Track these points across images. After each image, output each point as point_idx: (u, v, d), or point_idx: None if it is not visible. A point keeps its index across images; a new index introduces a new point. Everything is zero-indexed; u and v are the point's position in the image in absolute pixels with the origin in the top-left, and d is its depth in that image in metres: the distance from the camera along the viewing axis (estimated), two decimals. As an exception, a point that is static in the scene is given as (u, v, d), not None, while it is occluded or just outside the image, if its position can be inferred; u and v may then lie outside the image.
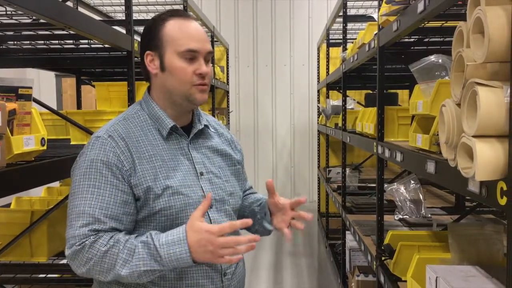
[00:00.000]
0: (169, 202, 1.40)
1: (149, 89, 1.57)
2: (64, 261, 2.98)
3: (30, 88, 1.68)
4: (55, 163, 1.77)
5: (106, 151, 1.39)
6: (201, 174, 1.50)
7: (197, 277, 1.42)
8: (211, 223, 1.48)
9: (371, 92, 4.81)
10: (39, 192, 3.26)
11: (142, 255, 1.30)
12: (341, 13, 4.36)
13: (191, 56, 1.44)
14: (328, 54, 6.06)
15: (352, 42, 4.10)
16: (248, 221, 1.35)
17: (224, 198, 1.54)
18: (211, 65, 1.53)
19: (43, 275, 2.69)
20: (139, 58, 1.56)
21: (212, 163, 1.55)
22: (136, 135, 1.45)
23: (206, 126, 1.59)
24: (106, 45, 2.70)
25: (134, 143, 1.43)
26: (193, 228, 1.31)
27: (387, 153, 2.38)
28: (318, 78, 7.03)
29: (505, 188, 1.11)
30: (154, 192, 1.39)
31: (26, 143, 1.62)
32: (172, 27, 1.46)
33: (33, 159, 1.71)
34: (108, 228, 1.35)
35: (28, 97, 1.68)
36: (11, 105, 1.58)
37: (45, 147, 1.73)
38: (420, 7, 1.81)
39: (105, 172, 1.37)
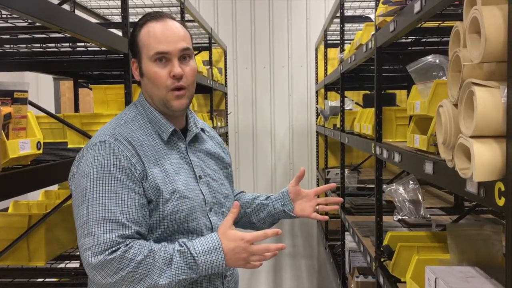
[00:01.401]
0: (177, 206, 1.40)
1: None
2: (62, 265, 2.98)
3: (26, 91, 1.67)
4: (51, 167, 1.76)
5: (116, 155, 1.36)
6: (200, 177, 1.50)
7: (201, 281, 1.44)
8: (211, 226, 1.49)
9: (369, 92, 4.81)
10: (37, 196, 3.25)
11: (180, 264, 1.31)
12: (338, 14, 4.35)
13: (161, 58, 1.42)
14: (326, 55, 6.06)
15: (350, 43, 4.09)
16: (279, 231, 1.40)
17: (221, 201, 1.55)
18: (193, 62, 1.48)
19: (41, 280, 2.69)
20: None
21: (207, 166, 1.55)
22: (140, 139, 1.42)
23: (202, 129, 1.60)
24: (103, 48, 2.70)
25: (140, 146, 1.41)
26: (228, 236, 1.36)
27: (385, 154, 2.37)
28: (316, 79, 7.03)
29: (503, 188, 1.11)
30: (163, 196, 1.39)
31: (22, 147, 1.61)
32: (144, 31, 1.45)
33: (29, 163, 1.70)
34: (133, 232, 1.32)
35: (24, 101, 1.67)
36: (6, 109, 1.57)
37: (41, 151, 1.72)
38: (417, 7, 1.81)
39: (120, 176, 1.34)
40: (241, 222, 1.73)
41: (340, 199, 1.73)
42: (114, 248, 1.28)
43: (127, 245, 1.29)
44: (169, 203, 1.39)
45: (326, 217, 1.69)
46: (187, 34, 1.48)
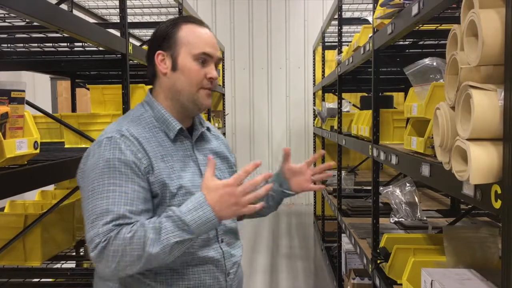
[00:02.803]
0: (183, 202, 1.40)
1: (151, 91, 1.58)
2: (58, 265, 2.97)
3: (23, 91, 1.67)
4: (48, 167, 1.76)
5: (122, 150, 1.38)
6: None
7: (204, 277, 1.45)
8: None
9: (366, 94, 4.82)
10: (33, 196, 3.24)
11: (170, 228, 1.30)
12: (336, 16, 4.36)
13: (204, 59, 1.50)
14: (323, 57, 6.06)
15: (348, 45, 4.10)
16: (257, 162, 1.39)
17: None
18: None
19: (37, 280, 2.68)
20: (146, 58, 1.57)
21: None
22: (146, 136, 1.46)
23: (207, 128, 1.64)
24: (101, 48, 2.70)
25: (146, 142, 1.44)
26: (210, 188, 1.33)
27: (382, 156, 2.37)
28: (314, 81, 7.04)
29: (499, 191, 1.11)
30: (170, 191, 1.41)
31: (18, 146, 1.60)
32: (188, 30, 1.51)
33: (25, 162, 1.70)
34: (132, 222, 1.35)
35: (21, 100, 1.66)
36: (3, 108, 1.57)
37: (38, 151, 1.72)
38: (414, 10, 1.81)
39: (125, 170, 1.37)
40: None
41: (330, 164, 1.74)
42: (108, 234, 1.30)
43: (118, 228, 1.31)
44: (175, 198, 1.42)
45: (323, 186, 1.71)
46: None
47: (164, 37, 1.52)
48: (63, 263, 3.06)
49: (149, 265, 1.33)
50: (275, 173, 1.74)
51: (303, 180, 1.71)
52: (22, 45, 2.97)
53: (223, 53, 6.95)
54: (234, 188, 1.32)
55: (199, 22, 1.55)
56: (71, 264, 3.17)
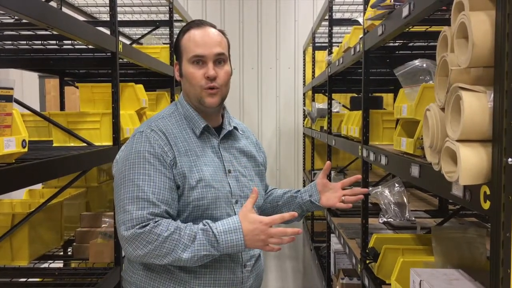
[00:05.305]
0: (202, 194, 1.53)
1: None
2: (45, 265, 2.94)
3: (11, 89, 1.65)
4: (35, 165, 1.74)
5: (151, 143, 1.52)
6: (229, 171, 1.62)
7: (220, 267, 1.55)
8: None
9: (356, 95, 4.83)
10: (20, 195, 3.20)
11: (202, 241, 1.43)
12: (327, 17, 4.37)
13: (198, 61, 1.58)
14: (314, 57, 6.07)
15: (338, 46, 4.11)
16: (295, 214, 1.54)
17: (248, 195, 1.63)
18: (227, 66, 1.64)
19: (24, 279, 2.65)
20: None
21: (239, 162, 1.67)
22: (174, 132, 1.58)
23: (235, 128, 1.72)
24: (90, 46, 2.67)
25: (172, 138, 1.56)
26: (247, 218, 1.46)
27: (372, 157, 2.38)
28: (304, 81, 7.05)
29: (488, 192, 1.12)
30: (189, 183, 1.52)
31: (6, 145, 1.58)
32: (186, 36, 1.61)
33: (13, 161, 1.68)
34: (162, 211, 1.46)
35: (9, 98, 1.64)
36: (-9, 106, 1.55)
37: (26, 149, 1.70)
38: (405, 11, 1.82)
39: (153, 161, 1.49)
40: (273, 214, 1.78)
41: (366, 190, 1.83)
42: (144, 223, 1.42)
43: (156, 221, 1.43)
44: (195, 190, 1.52)
45: (350, 205, 1.76)
46: (223, 41, 1.65)
47: (175, 47, 1.66)
48: (50, 263, 3.03)
49: (173, 263, 1.45)
50: (311, 184, 1.82)
51: (333, 197, 1.77)
52: (10, 42, 2.93)
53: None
54: (267, 227, 1.46)
55: (197, 25, 1.62)
56: (58, 264, 3.14)
